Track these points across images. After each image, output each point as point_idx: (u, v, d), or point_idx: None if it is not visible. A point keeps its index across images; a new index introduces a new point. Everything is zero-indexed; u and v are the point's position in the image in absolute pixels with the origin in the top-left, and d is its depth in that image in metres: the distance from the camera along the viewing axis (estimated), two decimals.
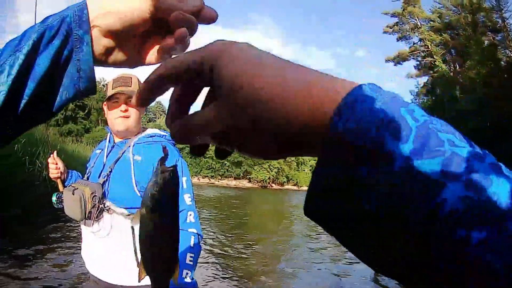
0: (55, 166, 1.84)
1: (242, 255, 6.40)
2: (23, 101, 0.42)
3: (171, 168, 0.47)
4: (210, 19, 0.44)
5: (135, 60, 0.48)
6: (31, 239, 5.33)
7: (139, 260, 0.51)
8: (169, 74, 0.31)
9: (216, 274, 5.09)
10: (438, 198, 0.20)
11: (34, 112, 0.44)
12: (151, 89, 0.33)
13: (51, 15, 0.43)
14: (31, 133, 7.84)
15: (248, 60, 0.27)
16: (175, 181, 0.48)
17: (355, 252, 0.24)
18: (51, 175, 1.87)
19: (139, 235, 0.49)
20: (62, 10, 0.44)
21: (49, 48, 0.42)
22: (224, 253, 6.47)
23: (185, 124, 0.31)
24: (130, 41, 0.46)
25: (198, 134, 0.30)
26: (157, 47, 0.46)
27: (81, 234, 1.76)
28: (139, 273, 0.51)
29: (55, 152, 1.87)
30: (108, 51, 0.45)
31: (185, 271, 1.45)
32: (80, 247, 1.78)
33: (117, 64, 0.47)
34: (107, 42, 0.45)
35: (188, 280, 1.44)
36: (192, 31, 0.43)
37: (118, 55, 0.46)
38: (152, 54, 0.47)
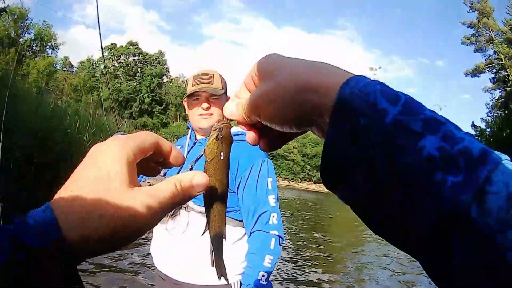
0: None
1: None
2: None
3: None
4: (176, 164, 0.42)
5: None
6: None
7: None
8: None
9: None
10: (418, 144, 0.26)
11: None
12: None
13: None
14: (100, 124, 7.96)
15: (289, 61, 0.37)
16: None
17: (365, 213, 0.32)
18: None
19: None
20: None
21: None
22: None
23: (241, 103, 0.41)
24: None
25: (251, 111, 0.39)
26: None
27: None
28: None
29: None
30: None
31: (261, 273, 1.45)
32: None
33: None
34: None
35: (263, 282, 1.44)
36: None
37: None
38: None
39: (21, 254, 0.28)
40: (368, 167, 0.29)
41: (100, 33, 1.92)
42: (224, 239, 0.50)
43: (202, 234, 0.48)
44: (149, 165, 0.41)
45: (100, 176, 0.33)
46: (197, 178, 0.38)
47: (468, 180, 0.24)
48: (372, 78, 0.31)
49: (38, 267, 0.28)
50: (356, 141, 0.30)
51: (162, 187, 0.36)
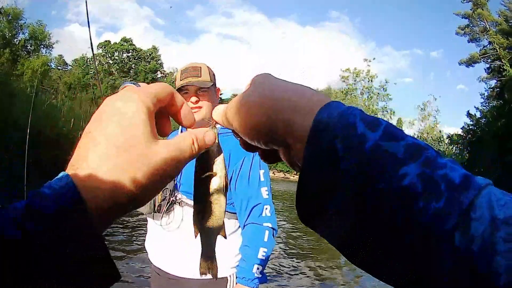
0: None
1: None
2: None
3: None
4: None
5: None
6: None
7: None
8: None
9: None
10: (400, 171, 0.25)
11: None
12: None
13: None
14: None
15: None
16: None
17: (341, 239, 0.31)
18: None
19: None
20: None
21: None
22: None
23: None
24: None
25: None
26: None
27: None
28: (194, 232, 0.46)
29: None
30: None
31: (255, 266, 1.45)
32: None
33: None
34: None
35: (258, 275, 1.45)
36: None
37: None
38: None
39: (35, 221, 0.27)
40: (346, 194, 0.28)
41: (89, 31, 1.93)
42: (224, 237, 0.49)
43: (195, 237, 0.47)
44: (162, 120, 0.40)
45: (122, 131, 0.32)
46: (208, 135, 0.39)
47: (451, 207, 0.24)
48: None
49: (56, 232, 0.27)
50: (334, 166, 0.28)
51: (183, 141, 0.36)
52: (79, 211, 0.28)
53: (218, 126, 0.44)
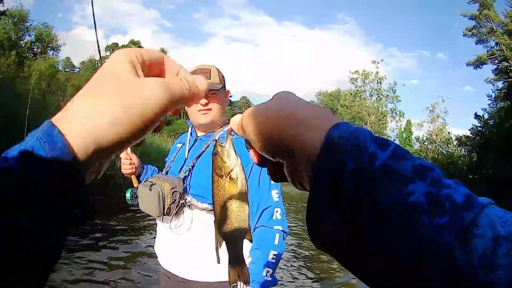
0: (129, 161, 1.72)
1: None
2: None
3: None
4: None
5: None
6: None
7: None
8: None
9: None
10: (407, 189, 0.27)
11: None
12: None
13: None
14: None
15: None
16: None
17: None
18: (124, 171, 1.74)
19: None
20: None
21: None
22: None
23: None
24: None
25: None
26: None
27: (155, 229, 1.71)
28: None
29: (129, 148, 1.61)
30: None
31: (266, 269, 1.44)
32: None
33: None
34: None
35: (268, 278, 1.44)
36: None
37: None
38: None
39: (24, 159, 0.27)
40: (356, 210, 0.28)
41: (96, 33, 1.91)
42: (250, 241, 0.48)
43: (220, 247, 0.47)
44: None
45: (103, 73, 0.33)
46: (199, 79, 0.38)
47: (453, 222, 0.25)
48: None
49: (41, 174, 0.27)
50: (345, 183, 0.29)
51: (172, 79, 0.36)
52: (59, 145, 0.28)
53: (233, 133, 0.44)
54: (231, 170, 0.44)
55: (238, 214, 0.44)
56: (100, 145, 0.30)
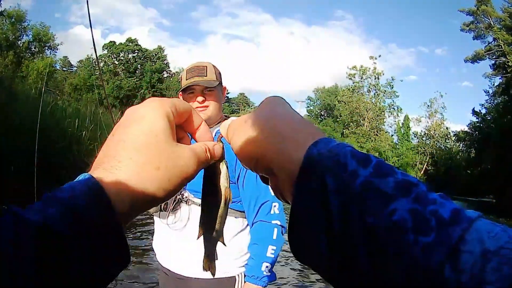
0: None
1: None
2: None
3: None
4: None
5: None
6: None
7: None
8: None
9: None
10: (390, 207, 0.26)
11: None
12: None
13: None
14: (96, 120, 7.78)
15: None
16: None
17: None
18: None
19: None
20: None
21: None
22: None
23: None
24: None
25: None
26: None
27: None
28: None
29: None
30: None
31: (264, 264, 1.44)
32: None
33: None
34: None
35: (267, 273, 1.44)
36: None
37: None
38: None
39: (68, 215, 0.28)
40: (336, 229, 0.28)
41: (92, 31, 1.91)
42: (223, 244, 0.50)
43: (197, 238, 0.49)
44: (180, 134, 0.42)
45: (146, 132, 0.35)
46: (217, 148, 0.42)
47: (441, 240, 0.24)
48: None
49: (83, 227, 0.29)
50: (324, 201, 0.29)
51: (198, 147, 0.39)
52: (104, 208, 0.30)
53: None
54: (218, 175, 0.46)
55: (216, 219, 0.47)
56: (143, 208, 0.34)
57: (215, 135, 1.54)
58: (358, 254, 0.27)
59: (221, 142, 0.45)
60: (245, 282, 1.51)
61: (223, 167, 0.45)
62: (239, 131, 0.39)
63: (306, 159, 0.31)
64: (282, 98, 0.41)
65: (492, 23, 31.17)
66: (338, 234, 0.28)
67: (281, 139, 0.35)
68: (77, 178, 0.32)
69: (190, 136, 0.44)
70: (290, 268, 5.57)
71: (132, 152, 0.33)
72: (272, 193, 1.38)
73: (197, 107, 1.61)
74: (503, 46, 30.20)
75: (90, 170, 0.33)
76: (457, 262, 0.23)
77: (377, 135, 43.93)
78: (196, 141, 0.43)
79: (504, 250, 0.23)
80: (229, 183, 0.46)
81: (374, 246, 0.26)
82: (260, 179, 0.43)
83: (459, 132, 36.76)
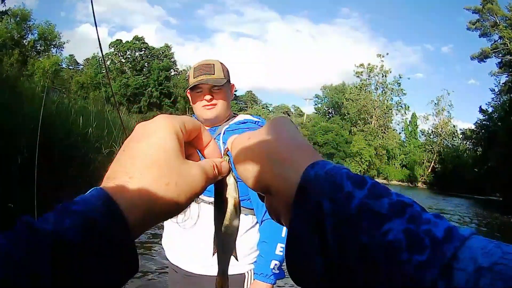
0: None
1: None
2: None
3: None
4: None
5: None
6: None
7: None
8: None
9: None
10: (384, 228, 0.26)
11: None
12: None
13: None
14: (102, 118, 7.80)
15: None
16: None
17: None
18: None
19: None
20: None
21: None
22: None
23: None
24: None
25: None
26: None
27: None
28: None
29: None
30: None
31: (273, 262, 1.44)
32: None
33: None
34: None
35: (276, 271, 1.45)
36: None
37: None
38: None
39: (87, 229, 0.29)
40: (331, 250, 0.29)
41: (97, 29, 1.88)
42: (235, 258, 0.51)
43: (212, 255, 0.50)
44: (189, 151, 0.42)
45: (156, 149, 0.36)
46: (224, 165, 0.44)
47: (434, 258, 0.25)
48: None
49: (95, 241, 0.30)
50: (321, 224, 0.29)
51: (206, 164, 0.41)
52: (117, 222, 0.31)
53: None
54: (225, 188, 0.47)
55: (227, 231, 0.47)
56: (153, 222, 0.36)
57: (223, 134, 1.56)
58: (354, 274, 0.27)
59: (227, 155, 0.46)
60: (254, 279, 1.51)
61: (230, 178, 0.46)
62: (242, 149, 0.40)
63: (303, 180, 0.32)
64: (288, 118, 0.42)
65: (498, 21, 30.96)
66: (334, 254, 0.28)
67: (279, 161, 0.36)
68: (89, 191, 0.33)
69: (199, 153, 0.45)
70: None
71: (143, 168, 0.35)
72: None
73: (205, 106, 1.60)
74: (508, 45, 30.00)
75: (102, 183, 0.34)
76: (450, 280, 0.23)
77: (384, 132, 43.78)
78: (205, 158, 0.44)
79: (498, 265, 0.23)
80: (238, 192, 0.47)
81: (369, 265, 0.27)
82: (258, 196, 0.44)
83: (466, 130, 36.41)
